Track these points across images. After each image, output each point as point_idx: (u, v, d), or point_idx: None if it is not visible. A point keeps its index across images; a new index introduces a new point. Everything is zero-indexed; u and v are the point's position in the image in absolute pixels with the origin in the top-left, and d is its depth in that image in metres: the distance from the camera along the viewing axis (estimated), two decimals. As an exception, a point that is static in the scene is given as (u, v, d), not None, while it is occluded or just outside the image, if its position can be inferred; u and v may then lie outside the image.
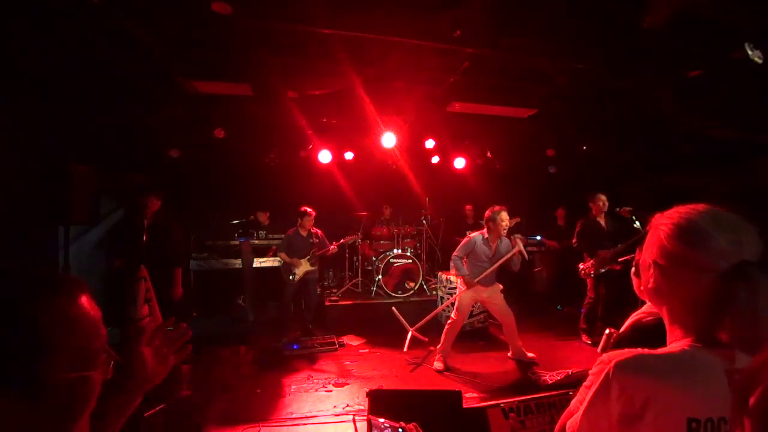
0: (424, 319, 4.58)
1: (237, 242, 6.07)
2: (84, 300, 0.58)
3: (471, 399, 3.35)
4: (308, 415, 3.14)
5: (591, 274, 4.62)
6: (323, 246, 5.11)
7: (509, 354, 4.30)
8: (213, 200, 6.51)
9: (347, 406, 3.30)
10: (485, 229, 4.04)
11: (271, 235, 6.28)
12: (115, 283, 3.56)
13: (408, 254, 6.17)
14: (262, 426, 2.97)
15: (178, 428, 2.49)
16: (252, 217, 6.34)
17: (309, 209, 5.02)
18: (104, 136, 4.45)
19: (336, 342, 4.81)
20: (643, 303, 0.98)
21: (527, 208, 6.45)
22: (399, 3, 2.65)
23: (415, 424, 1.56)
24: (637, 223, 4.41)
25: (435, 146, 5.89)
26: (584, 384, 0.86)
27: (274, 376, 3.89)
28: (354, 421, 2.98)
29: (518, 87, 4.12)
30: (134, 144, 4.92)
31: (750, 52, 2.65)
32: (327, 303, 5.65)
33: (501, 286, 4.20)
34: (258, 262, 6.07)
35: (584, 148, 5.82)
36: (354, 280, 6.40)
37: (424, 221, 6.56)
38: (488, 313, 4.99)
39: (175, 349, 0.94)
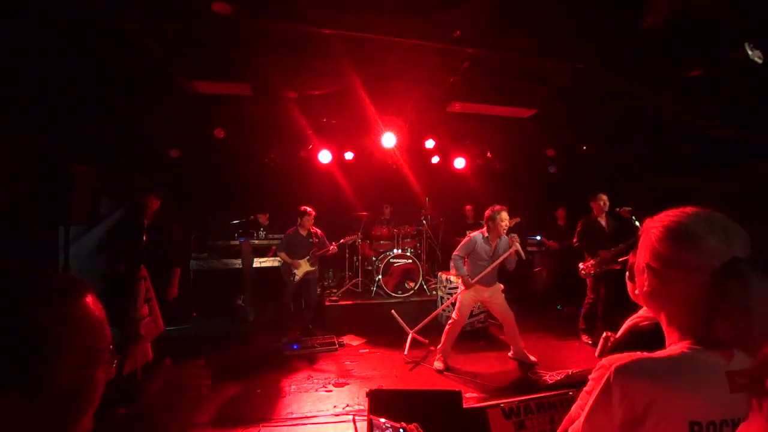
0: (424, 321, 4.57)
1: (237, 242, 6.07)
2: (89, 300, 0.58)
3: (471, 399, 3.35)
4: (308, 415, 3.14)
5: (591, 273, 4.62)
6: (323, 246, 5.11)
7: (510, 354, 4.29)
8: (213, 200, 6.52)
9: (347, 406, 3.30)
10: (485, 228, 4.05)
11: (271, 235, 6.29)
12: (115, 283, 3.56)
13: (408, 254, 6.17)
14: (262, 426, 2.97)
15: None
16: (252, 217, 6.35)
17: (309, 209, 5.02)
18: (104, 136, 4.45)
19: (336, 342, 4.81)
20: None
21: (527, 208, 6.45)
22: (399, 3, 2.65)
23: (416, 424, 1.56)
24: (637, 223, 4.41)
25: (435, 146, 5.89)
26: (584, 389, 0.86)
27: (274, 376, 3.89)
28: (354, 421, 2.98)
29: (518, 87, 4.11)
30: (134, 144, 4.92)
31: (750, 52, 2.65)
32: (327, 303, 5.65)
33: (502, 286, 4.20)
34: (258, 262, 6.07)
35: (584, 148, 5.82)
36: (354, 280, 6.40)
37: (424, 221, 6.56)
38: (488, 313, 4.99)
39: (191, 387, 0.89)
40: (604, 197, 4.73)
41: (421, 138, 5.72)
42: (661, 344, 0.82)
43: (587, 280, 4.76)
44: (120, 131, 4.53)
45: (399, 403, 2.22)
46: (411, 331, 4.58)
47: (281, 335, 4.95)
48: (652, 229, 0.82)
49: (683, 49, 2.98)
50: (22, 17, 2.51)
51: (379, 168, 6.82)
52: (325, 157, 5.78)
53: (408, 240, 6.69)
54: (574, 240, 4.84)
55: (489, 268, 3.95)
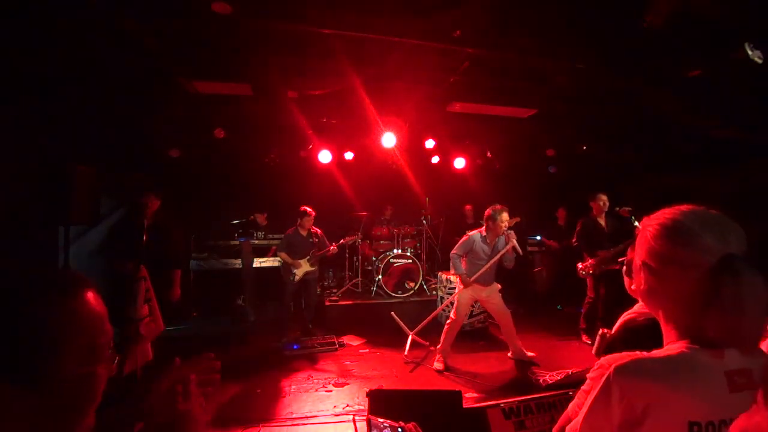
0: (423, 322, 4.57)
1: (237, 242, 6.07)
2: (90, 296, 0.58)
3: (471, 399, 3.35)
4: (308, 415, 3.14)
5: (590, 273, 4.63)
6: (323, 246, 5.11)
7: (509, 354, 4.29)
8: (213, 200, 6.52)
9: (347, 406, 3.30)
10: (483, 228, 4.05)
11: (271, 235, 6.29)
12: (115, 283, 3.56)
13: (408, 254, 6.18)
14: (262, 426, 2.97)
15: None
16: (252, 217, 6.35)
17: (309, 209, 5.02)
18: (104, 136, 4.45)
19: (336, 342, 4.81)
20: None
21: (527, 208, 6.45)
22: (399, 3, 2.65)
23: (414, 423, 1.55)
24: (637, 222, 4.42)
25: (435, 146, 5.89)
26: (582, 388, 0.86)
27: (274, 376, 3.89)
28: (354, 421, 2.98)
29: (518, 87, 4.11)
30: (134, 144, 4.92)
31: (750, 52, 2.65)
32: (327, 303, 5.65)
33: (499, 286, 4.20)
34: (258, 262, 6.07)
35: (584, 148, 5.82)
36: (354, 280, 6.40)
37: (424, 221, 6.56)
38: (488, 313, 4.99)
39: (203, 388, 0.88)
40: (604, 197, 4.73)
41: (421, 138, 5.72)
42: (655, 340, 0.83)
43: (587, 279, 4.76)
44: (120, 131, 4.53)
45: (399, 403, 2.22)
46: (411, 333, 4.58)
47: (281, 335, 4.95)
48: (648, 227, 0.82)
49: (683, 49, 2.98)
50: (22, 17, 2.51)
51: (379, 168, 6.81)
52: (325, 157, 5.78)
53: (408, 240, 6.70)
54: (573, 240, 4.84)
55: (486, 266, 3.96)
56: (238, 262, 6.01)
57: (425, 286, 6.22)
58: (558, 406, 2.35)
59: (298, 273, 5.00)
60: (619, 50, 3.12)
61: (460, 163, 6.43)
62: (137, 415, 0.79)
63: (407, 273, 6.04)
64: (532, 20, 2.80)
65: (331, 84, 3.92)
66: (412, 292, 5.97)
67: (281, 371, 4.01)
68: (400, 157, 6.29)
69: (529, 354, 4.15)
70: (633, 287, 0.89)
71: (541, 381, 3.66)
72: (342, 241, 5.48)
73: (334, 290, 6.26)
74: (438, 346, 4.15)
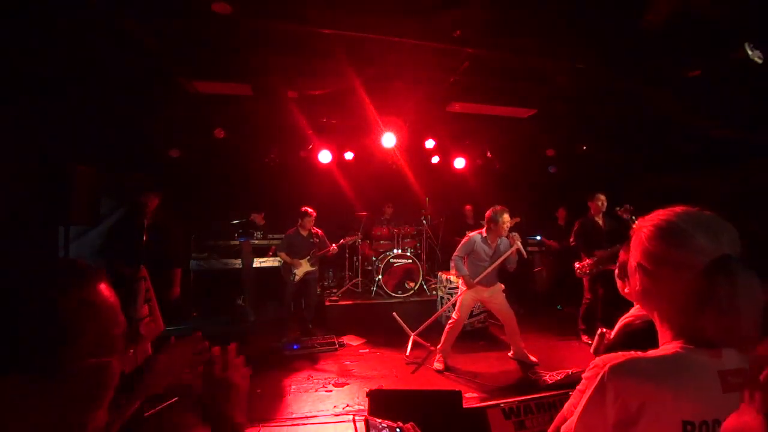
0: (425, 324, 4.56)
1: (237, 242, 6.07)
2: (103, 287, 0.58)
3: (471, 399, 3.35)
4: (308, 415, 3.14)
5: (587, 273, 4.64)
6: (323, 246, 5.11)
7: (510, 354, 4.29)
8: (213, 200, 6.51)
9: (347, 406, 3.30)
10: (484, 229, 4.04)
11: (271, 235, 6.29)
12: (115, 283, 3.55)
13: (408, 254, 6.17)
14: (262, 426, 2.97)
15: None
16: (252, 217, 6.35)
17: (310, 210, 5.02)
18: (104, 136, 4.44)
19: (336, 342, 4.81)
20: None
21: (527, 208, 6.45)
22: (399, 3, 2.65)
23: (412, 423, 1.55)
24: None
25: (435, 146, 5.89)
26: (578, 388, 0.87)
27: (274, 376, 3.89)
28: (354, 421, 2.98)
29: (518, 87, 4.12)
30: (134, 144, 4.92)
31: (750, 52, 2.65)
32: (327, 303, 5.65)
33: (503, 286, 4.20)
34: (258, 262, 6.07)
35: (584, 148, 5.82)
36: (354, 280, 6.40)
37: (424, 221, 6.56)
38: (489, 313, 4.99)
39: (189, 362, 0.94)
40: (602, 197, 4.74)
41: (421, 138, 5.72)
42: (654, 343, 0.83)
43: (584, 279, 4.77)
44: (120, 131, 4.53)
45: (399, 403, 2.22)
46: (412, 334, 4.58)
47: (281, 335, 4.95)
48: (642, 228, 0.83)
49: (683, 49, 2.98)
50: (22, 17, 2.51)
51: (379, 168, 6.81)
52: (325, 157, 5.78)
53: (408, 240, 6.69)
54: (571, 239, 4.84)
55: (490, 268, 3.95)
56: (238, 262, 6.00)
57: (425, 286, 6.22)
58: (558, 406, 2.35)
59: (299, 273, 5.00)
60: (619, 50, 3.12)
61: (460, 163, 6.43)
62: (136, 393, 0.80)
63: (407, 273, 6.04)
64: (532, 20, 2.81)
65: (331, 84, 3.93)
66: (412, 292, 5.97)
67: (281, 371, 4.01)
68: (400, 157, 6.30)
69: (532, 359, 4.12)
70: (626, 290, 0.89)
71: (541, 381, 3.66)
72: (342, 241, 5.48)
73: (334, 290, 6.26)
74: (438, 346, 4.15)
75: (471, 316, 4.95)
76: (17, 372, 0.47)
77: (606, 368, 0.74)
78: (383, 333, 5.03)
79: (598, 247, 4.55)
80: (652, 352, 0.77)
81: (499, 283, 4.15)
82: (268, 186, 6.66)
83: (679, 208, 0.81)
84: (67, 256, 3.54)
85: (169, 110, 4.51)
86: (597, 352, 1.55)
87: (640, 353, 0.77)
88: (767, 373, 0.50)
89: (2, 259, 0.54)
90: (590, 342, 4.69)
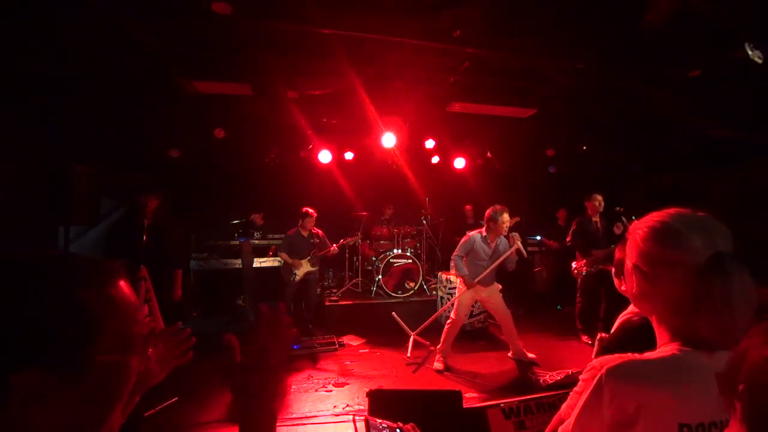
0: (424, 324, 4.56)
1: (237, 242, 6.07)
2: (123, 284, 0.58)
3: (471, 399, 3.35)
4: (308, 415, 3.14)
5: (583, 273, 4.65)
6: (324, 246, 5.11)
7: (509, 354, 4.29)
8: (213, 200, 6.51)
9: (347, 406, 3.30)
10: (484, 228, 4.04)
11: (270, 235, 6.29)
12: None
13: (408, 254, 6.17)
14: (262, 426, 2.96)
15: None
16: (252, 217, 6.35)
17: (311, 210, 5.01)
18: (104, 136, 4.45)
19: (336, 342, 4.81)
20: None
21: (527, 208, 6.45)
22: (399, 3, 2.65)
23: (412, 424, 1.55)
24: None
25: (435, 146, 5.89)
26: (575, 389, 0.87)
27: (274, 376, 3.89)
28: (354, 421, 2.98)
29: (518, 87, 4.12)
30: (134, 144, 4.92)
31: (750, 52, 2.65)
32: (327, 303, 5.65)
33: (500, 286, 4.20)
34: (258, 262, 6.07)
35: (584, 148, 5.82)
36: (354, 280, 6.40)
37: (424, 221, 6.56)
38: (488, 313, 4.99)
39: (178, 353, 0.95)
40: (599, 197, 4.74)
41: (421, 138, 5.72)
42: (651, 339, 0.83)
43: (578, 279, 4.78)
44: (120, 131, 4.53)
45: (399, 403, 2.22)
46: (412, 333, 4.58)
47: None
48: (637, 230, 0.83)
49: (683, 49, 2.98)
50: (22, 17, 2.51)
51: (379, 168, 6.82)
52: (325, 157, 5.78)
53: (408, 240, 6.69)
54: (568, 238, 4.85)
55: (490, 268, 3.95)
56: (238, 262, 6.00)
57: (425, 286, 6.22)
58: (558, 406, 2.34)
59: (299, 273, 5.00)
60: (619, 50, 3.12)
61: (460, 163, 6.43)
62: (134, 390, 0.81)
63: (407, 273, 6.03)
64: (532, 20, 2.81)
65: (331, 84, 3.93)
66: (412, 292, 5.97)
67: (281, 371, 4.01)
68: (400, 157, 6.30)
69: (530, 355, 4.14)
70: (623, 288, 0.89)
71: (541, 381, 3.66)
72: (342, 241, 5.47)
73: (334, 290, 6.26)
74: (438, 346, 4.15)
75: (471, 316, 4.95)
76: (36, 366, 0.47)
77: (603, 370, 0.74)
78: (383, 333, 5.03)
79: (596, 246, 4.56)
80: (648, 354, 0.78)
81: (496, 284, 4.16)
82: (268, 186, 6.66)
83: (673, 210, 0.82)
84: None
85: (169, 110, 4.51)
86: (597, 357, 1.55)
87: (637, 355, 0.77)
88: (744, 386, 0.51)
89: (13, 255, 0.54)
90: (590, 342, 4.72)
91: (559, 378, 3.59)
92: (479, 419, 2.25)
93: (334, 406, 3.29)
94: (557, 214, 6.77)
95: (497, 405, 2.33)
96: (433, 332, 4.63)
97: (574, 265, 4.74)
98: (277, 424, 3.04)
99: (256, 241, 6.19)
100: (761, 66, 2.70)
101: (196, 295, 5.80)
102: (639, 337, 0.88)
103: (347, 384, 3.74)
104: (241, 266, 5.97)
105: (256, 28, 2.97)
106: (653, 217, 0.82)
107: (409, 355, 4.41)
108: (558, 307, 6.44)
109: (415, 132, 5.43)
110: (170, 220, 4.11)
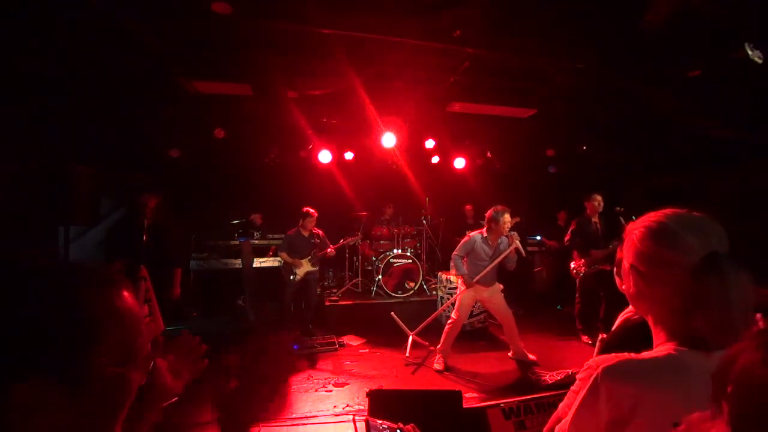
0: (424, 323, 4.56)
1: (237, 242, 6.07)
2: (127, 295, 0.57)
3: (471, 399, 3.35)
4: (308, 415, 3.14)
5: (582, 273, 4.65)
6: (324, 246, 5.11)
7: (510, 354, 4.29)
8: (213, 200, 6.52)
9: (347, 406, 3.30)
10: (484, 229, 4.04)
11: (270, 235, 6.29)
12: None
13: (408, 254, 6.17)
14: (262, 426, 2.96)
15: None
16: (252, 217, 6.35)
17: (311, 210, 5.01)
18: (104, 136, 4.45)
19: (336, 342, 4.81)
20: None
21: (527, 208, 6.45)
22: (399, 3, 2.65)
23: (413, 425, 1.55)
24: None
25: (435, 146, 5.89)
26: (572, 388, 0.87)
27: (274, 375, 3.89)
28: (354, 421, 2.98)
29: (518, 87, 4.12)
30: (134, 144, 4.92)
31: (750, 52, 2.65)
32: (327, 303, 5.65)
33: (501, 286, 4.20)
34: (258, 262, 6.07)
35: (584, 148, 5.82)
36: (354, 280, 6.40)
37: (424, 221, 6.56)
38: (488, 313, 4.99)
39: (190, 361, 0.93)
40: (599, 197, 4.74)
41: (421, 138, 5.72)
42: (650, 338, 0.83)
43: (577, 280, 4.78)
44: (120, 131, 4.53)
45: (399, 403, 2.22)
46: (411, 333, 4.58)
47: (281, 335, 4.95)
48: (634, 230, 0.84)
49: (683, 49, 2.98)
50: (22, 17, 2.51)
51: (379, 168, 6.82)
52: (325, 157, 5.78)
53: (408, 240, 6.69)
54: (566, 238, 4.85)
55: (489, 267, 3.95)
56: (238, 262, 6.00)
57: (425, 286, 6.22)
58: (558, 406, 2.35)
59: (299, 273, 5.00)
60: (619, 50, 3.12)
61: (460, 163, 6.43)
62: (148, 405, 0.79)
63: (407, 273, 6.03)
64: (532, 20, 2.81)
65: (331, 84, 3.93)
66: (412, 292, 5.97)
67: (281, 371, 4.01)
68: (400, 157, 6.30)
69: (531, 357, 4.13)
70: (623, 287, 0.90)
71: (541, 381, 3.66)
72: (342, 241, 5.47)
73: (334, 290, 6.26)
74: (438, 346, 4.15)
75: (471, 316, 4.95)
76: (37, 374, 0.46)
77: (599, 369, 0.74)
78: (383, 333, 5.03)
79: (596, 246, 4.56)
80: (645, 354, 0.78)
81: (497, 284, 4.16)
82: (268, 186, 6.66)
83: (669, 210, 0.82)
84: (67, 256, 3.55)
85: (169, 110, 4.51)
86: None
87: (633, 354, 0.78)
88: (732, 388, 0.51)
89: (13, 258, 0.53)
90: (590, 341, 4.72)
91: (559, 378, 3.59)
92: (479, 419, 2.25)
93: (334, 406, 3.28)
94: (558, 215, 6.77)
95: (497, 405, 2.33)
96: (432, 332, 4.63)
97: (572, 265, 4.74)
98: (278, 424, 3.04)
99: (256, 241, 6.19)
100: (761, 66, 2.70)
101: (196, 295, 5.80)
102: (639, 335, 0.88)
103: (347, 384, 3.74)
104: (241, 266, 5.97)
105: (256, 28, 2.97)
106: (650, 218, 0.83)
107: (408, 355, 4.41)
108: (558, 307, 6.44)
109: (415, 132, 5.43)
110: (170, 220, 4.11)
